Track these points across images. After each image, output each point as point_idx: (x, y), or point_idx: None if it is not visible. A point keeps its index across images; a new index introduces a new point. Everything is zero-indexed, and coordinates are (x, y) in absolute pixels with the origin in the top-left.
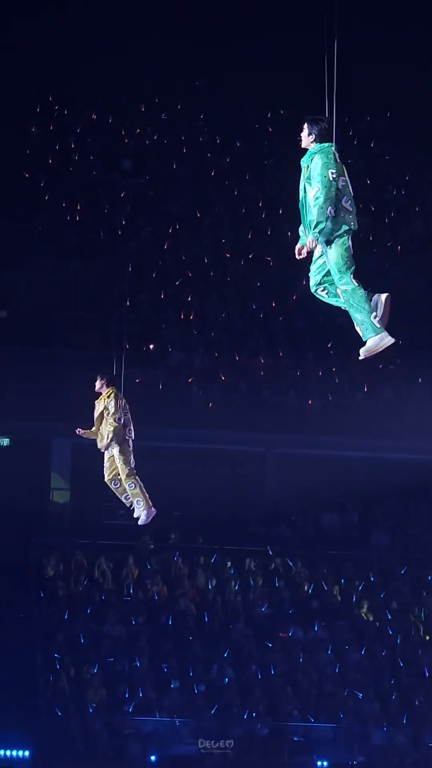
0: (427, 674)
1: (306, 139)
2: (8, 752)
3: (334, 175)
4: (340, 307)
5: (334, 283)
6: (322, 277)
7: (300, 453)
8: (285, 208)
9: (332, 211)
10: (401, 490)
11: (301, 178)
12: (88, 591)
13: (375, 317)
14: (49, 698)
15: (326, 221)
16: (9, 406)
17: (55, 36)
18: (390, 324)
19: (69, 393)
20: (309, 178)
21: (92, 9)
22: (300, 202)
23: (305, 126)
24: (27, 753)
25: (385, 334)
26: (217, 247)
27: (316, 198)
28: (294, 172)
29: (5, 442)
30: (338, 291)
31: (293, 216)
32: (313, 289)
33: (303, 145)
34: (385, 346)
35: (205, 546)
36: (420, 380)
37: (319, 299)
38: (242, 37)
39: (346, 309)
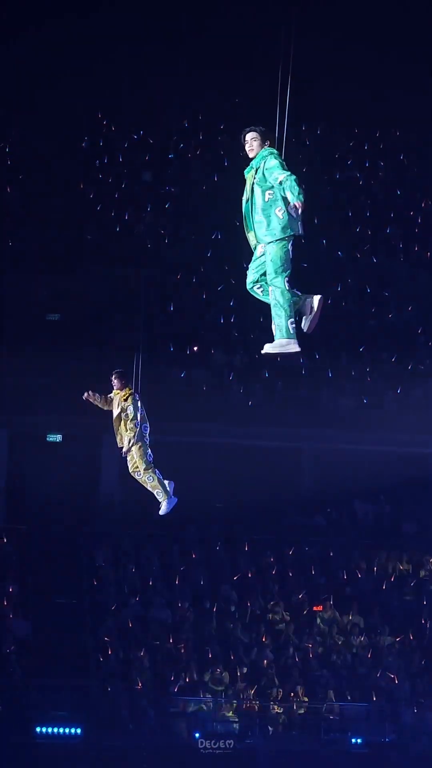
0: None
1: (258, 148)
2: (61, 729)
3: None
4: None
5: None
6: (260, 276)
7: (335, 448)
8: (319, 219)
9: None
10: (430, 483)
11: (246, 187)
12: (136, 578)
13: (295, 322)
14: (99, 679)
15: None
16: (61, 403)
17: (105, 61)
18: (417, 325)
19: None
20: (263, 180)
21: (140, 41)
22: (245, 207)
23: (255, 138)
24: (79, 730)
25: (294, 342)
26: None
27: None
28: (323, 185)
29: (58, 438)
30: (270, 288)
31: (328, 226)
32: (249, 286)
33: (251, 156)
34: (287, 352)
35: (245, 535)
36: None
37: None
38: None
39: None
